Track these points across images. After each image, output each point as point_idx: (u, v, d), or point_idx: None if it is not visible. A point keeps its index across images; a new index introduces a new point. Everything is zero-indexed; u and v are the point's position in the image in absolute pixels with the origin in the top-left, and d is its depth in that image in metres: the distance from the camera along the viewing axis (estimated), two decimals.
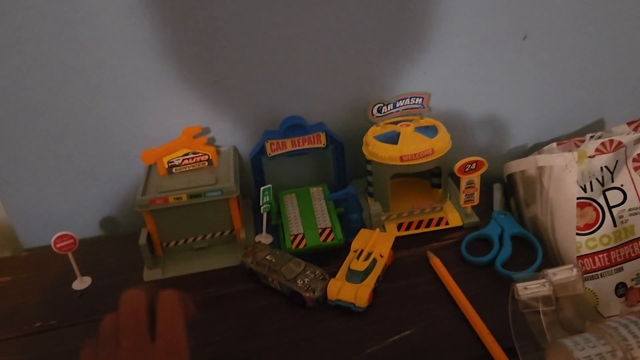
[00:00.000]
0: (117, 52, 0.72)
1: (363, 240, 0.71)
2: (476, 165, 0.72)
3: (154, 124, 0.77)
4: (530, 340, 0.55)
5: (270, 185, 0.73)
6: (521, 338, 0.55)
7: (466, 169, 0.72)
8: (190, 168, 0.75)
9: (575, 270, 0.56)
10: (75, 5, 0.68)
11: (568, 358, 0.47)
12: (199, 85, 0.76)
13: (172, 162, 0.74)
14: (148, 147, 0.74)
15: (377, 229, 0.72)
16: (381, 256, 0.69)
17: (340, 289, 0.64)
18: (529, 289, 0.55)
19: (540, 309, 0.55)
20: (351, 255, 0.70)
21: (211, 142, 0.81)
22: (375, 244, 0.70)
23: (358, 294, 0.63)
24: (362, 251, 0.68)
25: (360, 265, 0.66)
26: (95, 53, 0.71)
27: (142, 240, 0.70)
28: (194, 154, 0.75)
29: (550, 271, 0.56)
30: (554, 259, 0.74)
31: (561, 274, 0.56)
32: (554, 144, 0.83)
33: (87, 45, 0.71)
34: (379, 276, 0.67)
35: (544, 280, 0.55)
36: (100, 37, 0.70)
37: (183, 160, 0.75)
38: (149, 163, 0.75)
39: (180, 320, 0.47)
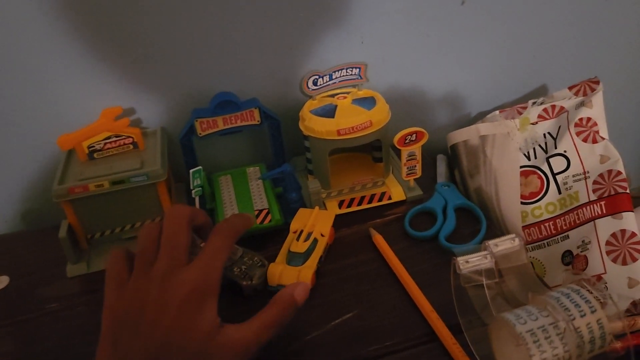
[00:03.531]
0: (18, 27, 0.65)
1: (302, 220, 0.67)
2: (416, 137, 0.69)
3: (69, 106, 0.71)
4: (474, 315, 0.52)
5: (200, 167, 0.68)
6: (465, 314, 0.53)
7: (406, 141, 0.69)
8: (114, 152, 0.70)
9: (517, 240, 0.54)
10: None
11: (510, 333, 0.44)
12: (119, 63, 0.71)
13: (93, 146, 0.69)
14: (65, 132, 0.68)
15: (317, 207, 0.68)
16: (322, 235, 0.65)
17: (282, 273, 0.60)
18: (470, 262, 0.52)
19: (484, 283, 0.52)
20: (291, 236, 0.66)
21: (137, 124, 0.75)
22: (315, 223, 0.66)
23: (300, 277, 0.59)
24: (301, 232, 0.65)
25: (300, 247, 0.63)
26: None
27: (62, 233, 0.65)
28: (116, 137, 0.69)
29: (491, 242, 0.53)
30: (499, 230, 0.72)
31: (503, 244, 0.54)
32: (497, 112, 0.81)
33: None
34: (321, 256, 0.63)
35: (485, 252, 0.53)
36: None
37: (105, 144, 0.69)
38: (67, 149, 0.69)
39: (222, 256, 0.48)
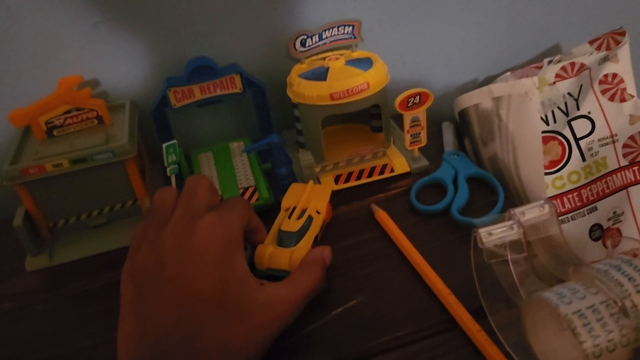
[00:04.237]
0: None
1: (295, 196, 0.58)
2: (420, 99, 0.61)
3: (21, 78, 0.63)
4: (501, 296, 0.44)
5: (175, 141, 0.59)
6: (490, 295, 0.44)
7: (409, 104, 0.61)
8: (77, 129, 0.61)
9: (547, 206, 0.45)
10: None
11: (552, 315, 0.36)
12: (79, 27, 0.62)
13: (52, 122, 0.60)
14: (17, 106, 0.59)
15: (310, 182, 0.60)
16: (318, 212, 0.57)
17: (271, 256, 0.51)
18: (493, 234, 0.44)
19: (509, 258, 0.44)
20: (282, 215, 0.57)
21: (103, 97, 0.66)
22: (309, 199, 0.58)
23: (293, 259, 0.50)
24: (294, 209, 0.56)
25: (293, 225, 0.54)
26: None
27: (18, 221, 0.56)
28: (77, 110, 0.60)
29: (517, 210, 0.45)
30: (519, 201, 0.64)
31: (530, 212, 0.45)
32: (508, 74, 0.72)
33: None
34: (317, 236, 0.55)
35: (511, 222, 0.44)
36: None
37: (65, 119, 0.60)
38: (21, 125, 0.60)
39: (243, 215, 0.46)
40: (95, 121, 0.62)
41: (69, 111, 0.60)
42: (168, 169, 0.58)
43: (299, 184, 0.60)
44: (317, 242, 0.55)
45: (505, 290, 0.43)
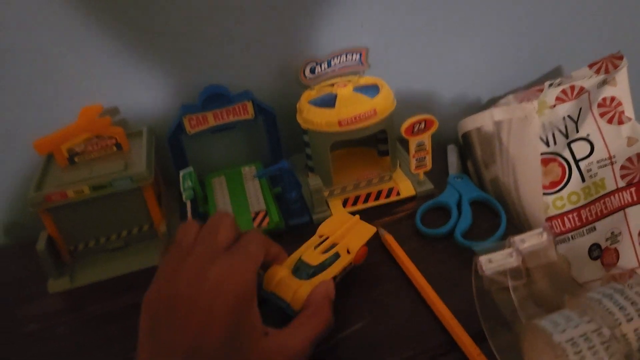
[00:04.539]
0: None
1: (334, 225, 0.56)
2: (425, 124, 0.63)
3: (45, 106, 0.66)
4: (501, 320, 0.46)
5: (191, 168, 0.62)
6: (490, 319, 0.47)
7: (414, 129, 0.63)
8: (97, 156, 0.64)
9: (545, 234, 0.48)
10: None
11: (547, 343, 0.38)
12: (98, 57, 0.65)
13: (73, 149, 0.63)
14: (42, 134, 0.62)
15: (357, 217, 0.58)
16: (348, 252, 0.53)
17: (280, 281, 0.49)
18: (493, 261, 0.46)
19: (510, 284, 0.46)
20: (313, 241, 0.55)
21: (121, 125, 0.69)
22: (346, 234, 0.55)
23: (296, 295, 0.48)
24: (326, 239, 0.54)
25: (315, 258, 0.51)
26: None
27: (41, 245, 0.59)
28: (98, 138, 0.63)
29: (517, 238, 0.47)
30: (520, 223, 0.66)
31: (530, 240, 0.47)
32: (511, 96, 0.75)
33: None
34: (336, 276, 0.51)
35: (510, 249, 0.47)
36: None
37: (86, 146, 0.63)
38: (45, 153, 0.63)
39: (257, 259, 0.46)
40: (115, 148, 0.65)
41: (89, 138, 0.63)
42: (184, 195, 0.61)
43: (345, 214, 0.58)
44: (335, 282, 0.51)
45: (504, 316, 0.46)
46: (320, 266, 0.51)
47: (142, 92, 0.69)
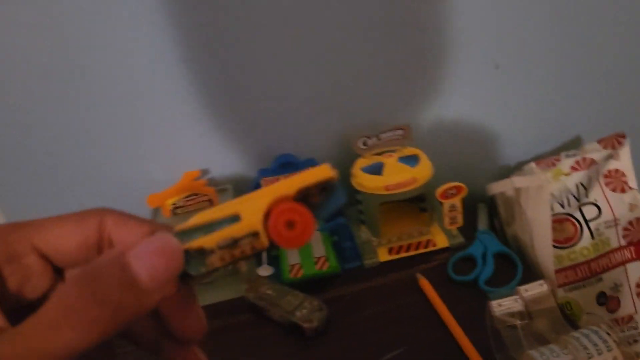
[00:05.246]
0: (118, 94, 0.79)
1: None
2: (456, 190, 0.78)
3: (152, 165, 0.84)
4: (508, 352, 0.59)
5: None
6: (500, 351, 0.60)
7: (447, 194, 0.78)
8: (193, 209, 0.82)
9: (545, 285, 0.61)
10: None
11: None
12: (195, 131, 0.83)
13: (176, 204, 0.80)
14: (150, 188, 0.80)
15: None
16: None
17: None
18: (502, 305, 0.60)
19: (517, 324, 0.60)
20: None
21: (211, 181, 0.87)
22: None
23: None
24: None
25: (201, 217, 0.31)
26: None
27: None
28: (195, 195, 0.81)
29: (522, 288, 0.61)
30: (535, 273, 0.79)
31: (532, 289, 0.61)
32: (533, 164, 0.88)
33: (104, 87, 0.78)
34: (222, 245, 0.29)
35: (516, 296, 0.61)
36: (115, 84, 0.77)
37: (185, 202, 0.81)
38: (154, 206, 0.81)
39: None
40: (207, 203, 0.82)
41: (188, 196, 0.81)
42: None
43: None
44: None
45: (511, 348, 0.59)
46: (195, 230, 0.30)
47: (228, 157, 0.86)
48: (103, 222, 0.31)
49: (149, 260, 0.26)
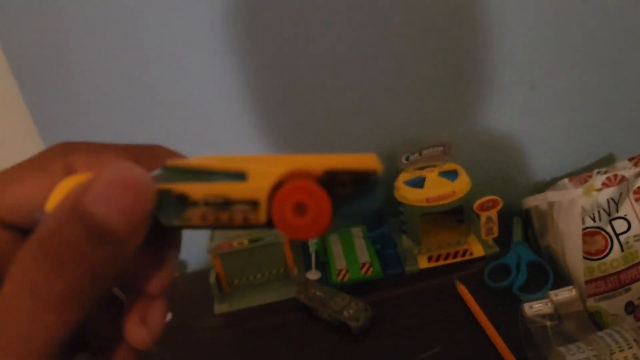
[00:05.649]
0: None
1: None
2: (492, 204, 0.84)
3: None
4: (538, 350, 0.65)
5: None
6: (531, 349, 0.66)
7: (484, 207, 0.84)
8: None
9: (574, 290, 0.67)
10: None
11: None
12: (249, 148, 0.91)
13: None
14: None
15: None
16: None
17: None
18: (534, 307, 0.66)
19: (547, 324, 0.66)
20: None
21: None
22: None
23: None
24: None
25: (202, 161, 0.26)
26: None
27: (212, 279, 0.84)
28: None
29: (552, 292, 0.67)
30: (565, 282, 0.84)
31: (562, 294, 0.67)
32: (566, 180, 0.94)
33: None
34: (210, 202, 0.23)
35: (546, 300, 0.66)
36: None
37: None
38: None
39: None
40: None
41: None
42: (311, 248, 0.85)
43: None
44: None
45: (542, 346, 0.65)
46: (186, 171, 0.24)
47: None
48: (70, 163, 0.25)
49: (114, 200, 0.20)
